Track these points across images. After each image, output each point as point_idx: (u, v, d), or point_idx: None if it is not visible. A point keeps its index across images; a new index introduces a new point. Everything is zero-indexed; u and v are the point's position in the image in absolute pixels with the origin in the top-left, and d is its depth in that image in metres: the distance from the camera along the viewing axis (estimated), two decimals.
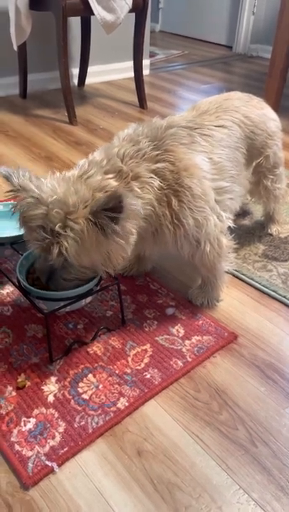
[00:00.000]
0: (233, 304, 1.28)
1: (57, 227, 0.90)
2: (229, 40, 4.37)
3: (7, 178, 0.98)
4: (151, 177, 1.01)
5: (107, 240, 0.93)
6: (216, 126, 1.19)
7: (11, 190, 0.98)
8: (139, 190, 0.99)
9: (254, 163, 1.33)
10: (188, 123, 1.15)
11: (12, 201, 1.37)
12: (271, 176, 1.40)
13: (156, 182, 1.02)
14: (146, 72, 3.22)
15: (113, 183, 0.96)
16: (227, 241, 1.17)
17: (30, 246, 0.98)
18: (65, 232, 0.90)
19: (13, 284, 1.11)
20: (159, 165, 1.03)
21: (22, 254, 1.15)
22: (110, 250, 0.95)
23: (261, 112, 1.32)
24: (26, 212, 0.95)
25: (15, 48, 2.47)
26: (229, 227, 1.18)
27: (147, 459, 0.89)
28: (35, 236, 0.94)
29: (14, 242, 1.24)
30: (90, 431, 0.92)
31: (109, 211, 0.89)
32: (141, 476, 0.86)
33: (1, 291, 1.28)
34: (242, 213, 1.67)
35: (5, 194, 0.99)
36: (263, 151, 1.33)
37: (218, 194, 1.14)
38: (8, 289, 1.29)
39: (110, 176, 0.97)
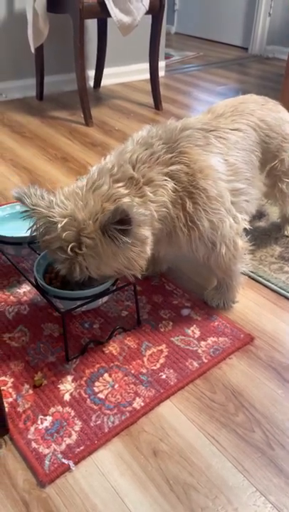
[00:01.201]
0: (249, 305, 1.28)
1: (72, 247, 0.91)
2: (245, 41, 4.36)
3: (20, 200, 0.99)
4: (165, 180, 1.01)
5: (123, 250, 0.93)
6: (231, 129, 1.18)
7: (25, 211, 0.99)
8: (151, 194, 0.99)
9: (268, 167, 1.33)
10: (204, 125, 1.14)
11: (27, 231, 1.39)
12: (286, 180, 1.39)
13: (171, 184, 1.01)
14: (161, 73, 3.22)
15: (122, 191, 0.96)
16: (243, 243, 1.17)
17: (56, 267, 0.99)
18: (81, 250, 0.92)
19: (31, 283, 1.12)
20: (173, 167, 1.03)
21: (39, 254, 1.17)
22: (129, 256, 0.96)
23: (277, 115, 1.32)
24: (43, 236, 0.97)
25: (32, 50, 2.50)
26: (245, 228, 1.17)
27: (163, 459, 0.89)
28: (56, 258, 0.97)
29: (31, 242, 1.25)
30: (106, 430, 0.93)
31: (117, 225, 0.89)
32: (157, 476, 0.86)
33: (18, 290, 1.30)
34: (258, 215, 1.66)
35: (21, 214, 1.00)
36: (278, 155, 1.32)
37: (234, 196, 1.14)
38: (26, 288, 1.30)
39: (120, 184, 0.97)
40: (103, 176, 0.98)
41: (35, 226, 0.99)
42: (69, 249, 0.91)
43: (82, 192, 0.96)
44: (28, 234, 1.03)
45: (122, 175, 0.99)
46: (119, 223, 0.89)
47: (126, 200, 0.94)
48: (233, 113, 1.23)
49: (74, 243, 0.92)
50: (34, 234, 1.01)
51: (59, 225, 0.92)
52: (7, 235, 1.28)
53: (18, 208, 1.40)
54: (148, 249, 0.98)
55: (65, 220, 0.92)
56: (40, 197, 0.98)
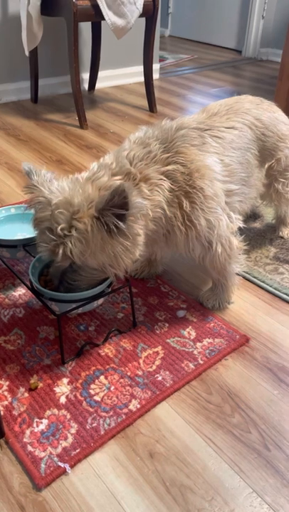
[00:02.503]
0: (244, 306, 1.28)
1: (62, 228, 0.90)
2: (239, 44, 4.38)
3: (28, 174, 0.99)
4: (162, 179, 1.02)
5: (113, 240, 0.92)
6: (226, 127, 1.19)
7: (27, 186, 0.99)
8: (148, 192, 0.99)
9: (266, 165, 1.33)
10: (199, 124, 1.15)
11: (24, 204, 1.38)
12: (282, 180, 1.40)
13: (167, 184, 1.02)
14: (156, 76, 3.24)
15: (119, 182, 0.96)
16: (237, 242, 1.17)
17: (38, 249, 0.98)
18: (70, 232, 0.90)
19: (26, 285, 1.12)
20: (169, 167, 1.03)
21: (34, 257, 1.16)
22: (117, 252, 0.94)
23: (272, 114, 1.32)
24: (37, 214, 0.97)
25: (26, 53, 2.50)
26: (239, 228, 1.18)
27: (159, 461, 0.88)
28: (43, 238, 0.95)
29: (26, 244, 1.25)
30: (102, 432, 0.92)
31: (114, 207, 0.88)
32: (153, 478, 0.85)
33: (14, 293, 1.29)
34: (253, 216, 1.67)
35: (22, 189, 1.01)
36: (275, 154, 1.33)
37: (228, 196, 1.14)
38: (21, 291, 1.30)
39: (118, 177, 0.98)
40: (103, 169, 0.99)
41: (31, 203, 0.99)
42: (59, 229, 0.90)
43: (82, 181, 0.97)
44: (23, 237, 1.03)
45: (120, 169, 0.99)
46: (116, 206, 0.88)
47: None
48: (228, 112, 1.23)
49: (64, 225, 0.91)
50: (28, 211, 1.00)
51: (53, 202, 0.92)
52: (2, 237, 1.28)
53: (13, 210, 1.40)
54: (137, 250, 0.97)
55: (60, 199, 0.92)
56: (47, 178, 0.99)
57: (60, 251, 0.91)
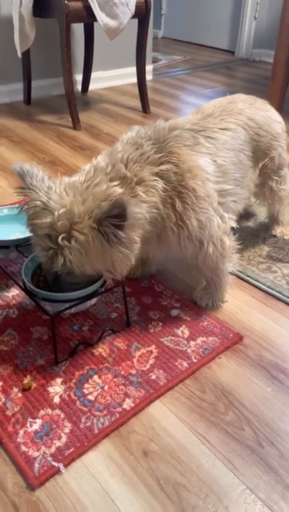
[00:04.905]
0: (238, 305, 1.28)
1: (62, 238, 0.91)
2: (231, 45, 4.40)
3: (21, 176, 0.98)
4: (155, 179, 1.02)
5: (112, 249, 0.93)
6: (220, 128, 1.19)
7: (21, 188, 0.98)
8: (143, 195, 1.00)
9: (260, 165, 1.34)
10: (193, 125, 1.15)
11: (17, 205, 1.38)
12: (276, 178, 1.40)
13: (160, 184, 1.02)
14: (149, 77, 3.24)
15: (118, 190, 0.96)
16: (230, 242, 1.17)
17: (36, 254, 0.99)
18: (70, 243, 0.91)
19: (19, 286, 1.12)
20: (162, 167, 1.03)
21: (27, 257, 1.16)
22: (114, 259, 0.95)
23: (266, 113, 1.33)
24: (34, 219, 0.96)
25: (19, 54, 2.49)
26: (232, 227, 1.18)
27: (153, 459, 0.88)
28: (41, 244, 0.95)
29: (19, 245, 1.25)
30: (96, 431, 0.92)
31: (113, 218, 0.89)
32: (147, 477, 0.85)
33: (7, 294, 1.29)
34: (246, 215, 1.68)
35: (14, 190, 1.00)
36: (268, 153, 1.34)
37: (222, 196, 1.15)
38: (14, 292, 1.30)
39: (115, 183, 0.98)
40: (99, 174, 0.98)
41: (26, 206, 0.98)
42: (60, 239, 0.91)
43: (81, 188, 0.96)
44: (16, 237, 1.03)
45: (116, 174, 0.99)
46: (115, 217, 0.89)
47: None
48: (222, 112, 1.23)
49: (65, 234, 0.91)
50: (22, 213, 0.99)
51: (56, 213, 0.92)
52: None
53: (6, 211, 1.40)
54: (134, 256, 0.98)
55: (63, 210, 0.92)
56: (40, 179, 0.98)
57: (60, 260, 0.92)
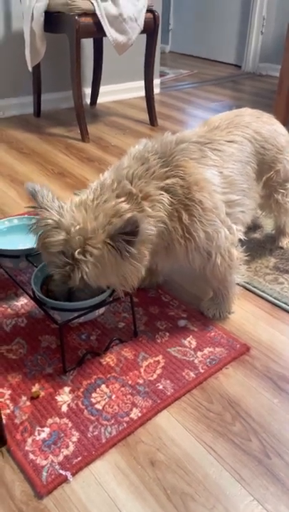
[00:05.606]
0: (244, 316, 1.29)
1: (78, 252, 0.94)
2: (238, 59, 4.45)
3: (32, 195, 1.02)
4: (161, 194, 1.04)
5: (124, 263, 0.96)
6: (226, 141, 1.21)
7: (33, 207, 1.02)
8: (150, 210, 1.02)
9: (264, 178, 1.35)
10: (199, 138, 1.17)
11: (26, 215, 1.40)
12: (282, 190, 1.42)
13: (166, 198, 1.04)
14: (156, 91, 3.28)
15: (125, 206, 0.99)
16: (238, 253, 1.19)
17: (50, 271, 1.01)
18: (86, 257, 0.94)
19: (28, 295, 1.13)
20: (168, 181, 1.05)
21: (36, 266, 1.18)
22: (126, 272, 0.98)
23: (272, 127, 1.35)
24: (46, 237, 0.98)
25: (30, 68, 2.55)
26: (240, 239, 1.19)
27: (160, 469, 0.89)
28: (55, 261, 0.98)
29: (29, 255, 1.27)
30: (104, 441, 0.93)
31: (125, 235, 0.93)
32: (154, 486, 0.86)
33: (16, 303, 1.30)
34: (253, 227, 1.69)
35: (25, 208, 1.03)
36: (274, 166, 1.35)
37: (229, 207, 1.16)
38: (23, 301, 1.31)
39: (122, 199, 1.00)
40: (106, 192, 1.02)
41: (36, 225, 1.01)
42: (76, 253, 0.93)
43: (92, 205, 0.99)
44: (25, 247, 1.04)
45: (122, 190, 1.02)
46: (127, 234, 0.92)
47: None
48: (228, 125, 1.26)
49: (80, 249, 0.94)
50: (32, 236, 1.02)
51: (71, 229, 0.94)
52: (5, 248, 1.29)
53: (16, 221, 1.42)
54: (143, 269, 1.01)
55: (78, 227, 0.95)
56: (51, 199, 1.01)
57: (77, 275, 0.95)
